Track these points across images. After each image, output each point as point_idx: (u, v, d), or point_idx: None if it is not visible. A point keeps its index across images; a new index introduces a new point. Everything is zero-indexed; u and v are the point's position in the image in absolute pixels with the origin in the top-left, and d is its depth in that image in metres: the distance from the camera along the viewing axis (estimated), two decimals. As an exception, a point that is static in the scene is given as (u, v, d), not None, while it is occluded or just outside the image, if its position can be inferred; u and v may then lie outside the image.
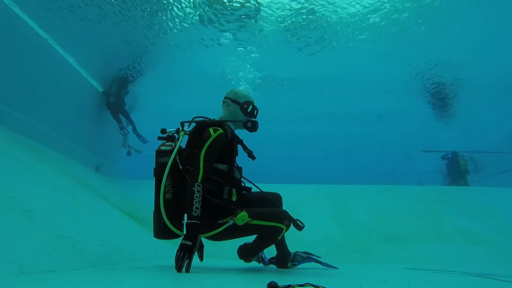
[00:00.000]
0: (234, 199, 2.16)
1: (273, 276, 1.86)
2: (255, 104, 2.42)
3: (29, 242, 1.75)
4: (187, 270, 1.86)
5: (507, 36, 6.74)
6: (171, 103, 10.24)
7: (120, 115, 8.21)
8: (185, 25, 6.61)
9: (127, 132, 8.53)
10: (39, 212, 2.21)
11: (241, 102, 2.37)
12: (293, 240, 3.41)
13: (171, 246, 4.19)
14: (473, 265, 3.75)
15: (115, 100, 8.03)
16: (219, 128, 2.18)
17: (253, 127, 2.35)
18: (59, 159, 5.04)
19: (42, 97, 5.53)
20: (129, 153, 9.03)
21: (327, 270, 2.56)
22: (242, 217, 2.03)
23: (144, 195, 5.73)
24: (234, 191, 2.19)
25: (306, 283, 1.30)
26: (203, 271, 2.10)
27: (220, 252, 2.91)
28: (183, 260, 1.85)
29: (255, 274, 2.04)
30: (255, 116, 2.42)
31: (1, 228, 1.73)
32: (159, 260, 2.87)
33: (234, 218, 2.05)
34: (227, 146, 2.21)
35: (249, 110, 2.37)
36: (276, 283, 1.27)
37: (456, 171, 9.94)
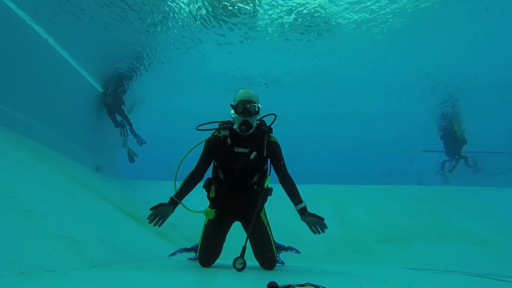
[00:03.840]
0: (211, 195, 2.50)
1: (273, 276, 1.86)
2: (243, 100, 2.36)
3: (29, 242, 1.75)
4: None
5: (508, 36, 6.74)
6: (170, 103, 10.23)
7: (117, 114, 8.20)
8: (187, 28, 6.60)
9: (126, 134, 8.44)
10: (39, 212, 2.20)
11: (234, 104, 2.41)
12: (293, 239, 3.42)
13: (171, 246, 4.20)
14: (473, 265, 3.75)
15: (111, 99, 8.02)
16: (216, 131, 2.48)
17: (238, 125, 2.34)
18: (59, 159, 5.04)
19: (42, 97, 5.53)
20: (132, 160, 8.83)
21: (327, 270, 2.56)
22: (207, 212, 2.39)
23: (144, 195, 5.75)
24: (212, 188, 2.50)
25: (306, 283, 1.30)
26: (203, 271, 2.10)
27: (221, 252, 2.91)
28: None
29: (255, 274, 2.04)
30: (239, 113, 2.35)
31: (1, 228, 1.73)
32: (159, 260, 2.87)
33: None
34: (218, 147, 2.42)
35: (237, 109, 2.36)
36: (276, 283, 1.27)
37: (453, 141, 9.81)
